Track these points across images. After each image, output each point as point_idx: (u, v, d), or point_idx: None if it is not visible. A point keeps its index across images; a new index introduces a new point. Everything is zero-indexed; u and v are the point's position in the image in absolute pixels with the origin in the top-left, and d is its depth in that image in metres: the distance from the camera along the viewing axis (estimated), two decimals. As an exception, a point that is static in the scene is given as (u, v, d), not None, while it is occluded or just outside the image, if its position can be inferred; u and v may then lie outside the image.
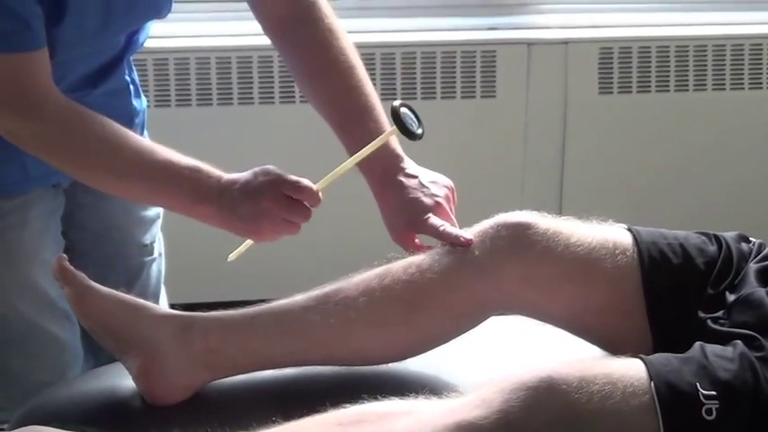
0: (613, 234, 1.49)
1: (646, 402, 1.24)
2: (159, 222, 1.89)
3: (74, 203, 1.77)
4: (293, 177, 1.51)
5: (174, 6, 1.67)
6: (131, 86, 1.77)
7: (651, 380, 1.25)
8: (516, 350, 1.58)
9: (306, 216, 1.52)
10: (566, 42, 3.05)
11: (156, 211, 1.88)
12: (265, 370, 1.50)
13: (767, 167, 3.18)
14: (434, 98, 3.00)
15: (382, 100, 1.66)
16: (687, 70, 3.09)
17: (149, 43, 1.80)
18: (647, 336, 1.45)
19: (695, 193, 3.17)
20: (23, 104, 1.48)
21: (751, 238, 1.54)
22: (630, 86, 3.09)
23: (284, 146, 2.94)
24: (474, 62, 3.00)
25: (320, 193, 1.52)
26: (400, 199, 1.59)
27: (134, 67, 1.79)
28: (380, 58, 2.94)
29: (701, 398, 1.24)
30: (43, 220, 1.71)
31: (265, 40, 1.71)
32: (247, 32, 2.77)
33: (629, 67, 3.07)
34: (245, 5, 1.69)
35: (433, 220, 1.56)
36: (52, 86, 1.49)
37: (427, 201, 1.58)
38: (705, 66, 3.09)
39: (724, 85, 3.11)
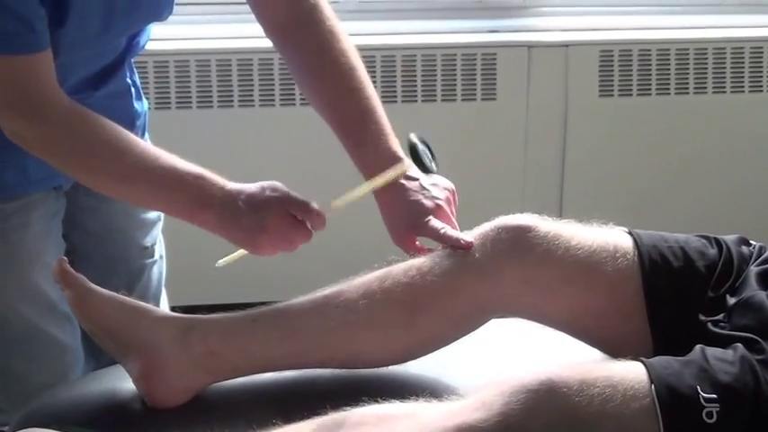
0: (614, 237, 1.49)
1: (646, 405, 1.24)
2: (160, 225, 1.90)
3: (75, 206, 1.77)
4: (302, 198, 1.51)
5: (175, 8, 1.67)
6: (132, 89, 1.77)
7: (652, 383, 1.25)
8: (516, 353, 1.58)
9: (307, 238, 1.53)
10: (566, 45, 3.05)
11: (156, 214, 1.88)
12: (265, 373, 1.50)
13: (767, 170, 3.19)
14: (435, 101, 3.01)
15: (383, 102, 1.66)
16: (687, 73, 3.09)
17: (150, 46, 1.80)
18: (647, 339, 1.45)
19: (696, 196, 3.17)
20: (28, 106, 1.48)
21: (751, 242, 1.54)
22: (631, 89, 3.09)
23: (285, 148, 2.95)
24: (474, 65, 3.00)
25: (326, 218, 1.52)
26: (401, 201, 1.59)
27: (135, 70, 1.79)
28: (381, 60, 2.95)
29: (702, 401, 1.24)
30: (45, 222, 1.71)
31: (266, 43, 1.72)
32: (248, 35, 2.78)
33: (629, 70, 3.07)
34: (245, 7, 1.69)
35: (434, 222, 1.56)
36: (57, 88, 1.49)
37: (428, 203, 1.59)
38: (705, 69, 3.09)
39: (724, 88, 3.11)
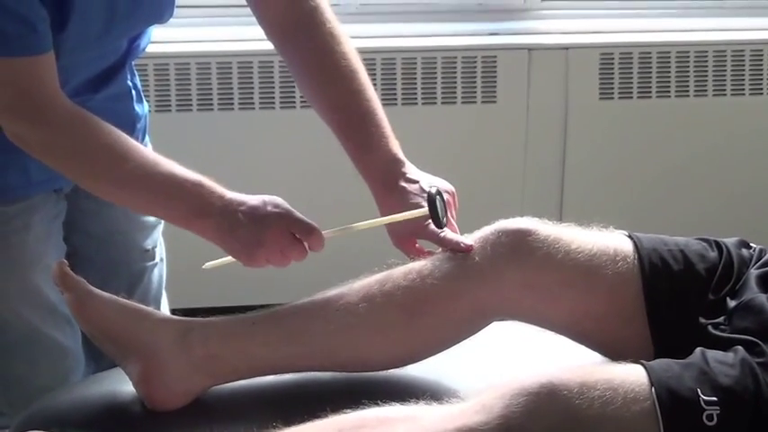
0: (614, 241, 1.49)
1: (647, 408, 1.24)
2: (161, 227, 1.89)
3: (76, 209, 1.77)
4: (304, 218, 1.51)
5: (176, 11, 1.67)
6: (133, 91, 1.77)
7: (652, 385, 1.25)
8: (517, 356, 1.58)
9: (302, 256, 1.51)
10: (566, 48, 3.05)
11: (157, 217, 1.88)
12: (265, 375, 1.50)
13: (768, 173, 3.19)
14: (435, 103, 3.01)
15: (383, 105, 1.66)
16: (688, 76, 3.09)
17: (150, 48, 1.80)
18: (647, 342, 1.45)
19: (696, 199, 3.17)
20: (30, 109, 1.48)
21: (752, 244, 1.54)
22: (631, 92, 3.09)
23: (285, 151, 2.95)
24: (475, 67, 3.00)
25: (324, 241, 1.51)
26: (401, 204, 1.59)
27: (136, 72, 1.79)
28: (381, 62, 2.95)
29: (702, 404, 1.24)
30: (46, 225, 1.71)
31: (266, 45, 1.72)
32: (248, 38, 2.78)
33: (629, 73, 3.07)
34: (245, 10, 1.69)
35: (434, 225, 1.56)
36: (58, 91, 1.49)
37: (428, 206, 1.58)
38: (706, 71, 3.10)
39: (725, 90, 3.11)
